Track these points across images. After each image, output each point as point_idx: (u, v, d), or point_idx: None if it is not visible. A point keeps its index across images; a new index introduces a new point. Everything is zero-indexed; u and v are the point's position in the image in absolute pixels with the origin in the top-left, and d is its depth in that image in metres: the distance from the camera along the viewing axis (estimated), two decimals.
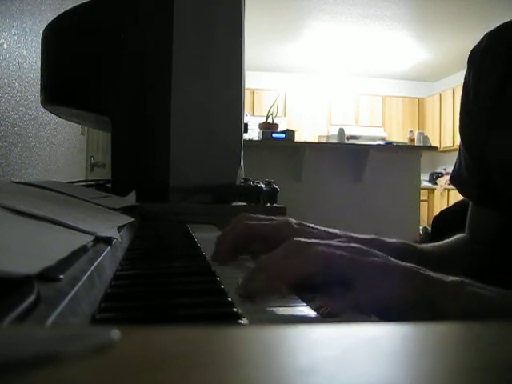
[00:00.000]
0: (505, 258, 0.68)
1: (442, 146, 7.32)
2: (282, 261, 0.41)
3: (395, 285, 0.39)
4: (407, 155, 3.73)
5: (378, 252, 0.42)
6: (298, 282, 0.40)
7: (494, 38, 0.71)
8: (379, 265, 0.40)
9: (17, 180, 1.26)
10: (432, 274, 0.41)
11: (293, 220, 0.62)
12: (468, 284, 0.41)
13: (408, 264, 0.41)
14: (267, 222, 0.60)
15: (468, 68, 0.74)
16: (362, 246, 0.42)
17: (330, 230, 0.65)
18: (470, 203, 0.77)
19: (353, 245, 0.42)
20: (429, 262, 0.50)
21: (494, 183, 0.69)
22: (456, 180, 0.77)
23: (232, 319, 0.32)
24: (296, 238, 0.43)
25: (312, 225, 0.65)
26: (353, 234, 0.67)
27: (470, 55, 0.74)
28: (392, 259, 0.42)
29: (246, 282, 0.41)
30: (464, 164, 0.76)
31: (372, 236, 0.69)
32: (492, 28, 0.72)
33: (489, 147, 0.68)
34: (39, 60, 1.32)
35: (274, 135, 3.57)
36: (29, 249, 0.30)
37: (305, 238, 0.45)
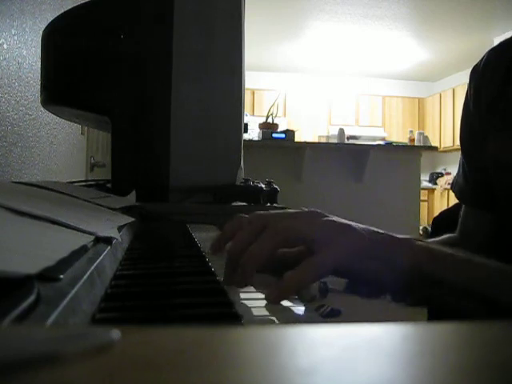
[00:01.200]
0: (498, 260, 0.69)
1: (441, 146, 7.32)
2: (245, 246, 0.43)
3: (352, 240, 0.42)
4: (407, 155, 3.73)
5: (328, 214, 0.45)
6: (266, 262, 0.42)
7: (495, 53, 0.74)
8: (331, 224, 0.43)
9: (17, 180, 1.26)
10: (381, 231, 0.44)
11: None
12: (419, 240, 0.45)
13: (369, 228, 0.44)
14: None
15: (469, 82, 0.77)
16: (316, 210, 0.46)
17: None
18: (463, 206, 0.79)
19: (306, 210, 0.46)
20: None
21: (491, 186, 0.71)
22: (454, 187, 0.81)
23: (232, 319, 0.32)
24: (254, 214, 0.46)
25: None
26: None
27: (471, 71, 0.77)
28: (344, 220, 0.45)
29: (225, 274, 0.44)
30: (461, 170, 0.79)
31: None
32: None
33: (487, 150, 0.70)
34: (39, 60, 1.32)
35: (274, 135, 3.57)
36: (29, 249, 0.30)
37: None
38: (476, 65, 0.77)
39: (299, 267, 0.40)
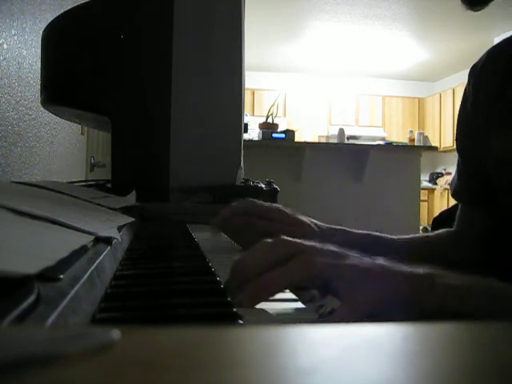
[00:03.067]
0: (495, 257, 0.70)
1: (441, 146, 7.32)
2: (261, 270, 0.40)
3: (373, 286, 0.39)
4: (407, 155, 3.73)
5: (354, 254, 0.42)
6: (279, 291, 0.40)
7: (494, 52, 0.74)
8: (355, 267, 0.40)
9: (17, 180, 1.26)
10: (406, 268, 0.41)
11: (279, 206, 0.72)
12: (441, 276, 0.41)
13: (382, 262, 0.41)
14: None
15: (468, 81, 0.77)
16: (341, 250, 0.42)
17: (301, 216, 0.73)
18: (460, 206, 0.80)
19: (331, 248, 0.42)
20: (400, 253, 0.50)
21: (488, 183, 0.71)
22: (451, 185, 0.82)
23: (232, 319, 0.32)
24: (278, 238, 0.43)
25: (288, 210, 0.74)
26: (318, 223, 0.73)
27: (470, 70, 0.77)
28: (367, 259, 0.42)
29: (229, 289, 0.40)
30: (457, 170, 0.80)
31: (339, 227, 0.74)
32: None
33: (489, 147, 0.70)
34: (39, 60, 1.32)
35: (274, 135, 3.57)
36: (29, 249, 0.30)
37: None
38: (475, 64, 0.77)
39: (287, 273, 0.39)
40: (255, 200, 0.74)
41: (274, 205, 0.74)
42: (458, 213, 0.80)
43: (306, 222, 0.72)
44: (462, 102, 0.78)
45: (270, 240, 0.43)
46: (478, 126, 0.73)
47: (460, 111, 0.79)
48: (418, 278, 0.40)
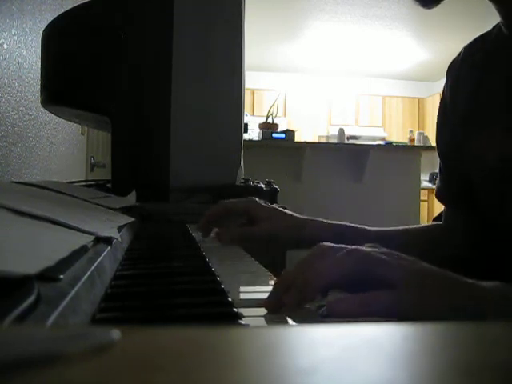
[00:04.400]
0: (480, 255, 0.70)
1: None
2: (314, 263, 0.39)
3: (437, 292, 0.38)
4: (407, 155, 3.73)
5: (412, 258, 0.40)
6: (334, 282, 0.38)
7: (471, 48, 0.73)
8: (420, 271, 0.39)
9: (17, 180, 1.26)
10: (469, 280, 0.40)
11: (256, 199, 0.76)
12: (505, 290, 0.40)
13: (444, 271, 0.40)
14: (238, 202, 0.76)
15: (446, 79, 0.77)
16: (398, 254, 0.41)
17: (283, 210, 0.76)
18: (444, 207, 0.81)
19: (385, 250, 0.41)
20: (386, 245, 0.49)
21: (470, 187, 0.71)
22: (436, 188, 0.83)
23: (232, 319, 0.32)
24: (323, 244, 0.41)
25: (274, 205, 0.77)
26: (295, 214, 0.76)
27: (448, 67, 0.77)
28: (425, 264, 0.40)
29: (274, 295, 0.38)
30: (439, 171, 0.81)
31: (313, 218, 0.76)
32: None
33: (467, 149, 0.70)
34: (39, 60, 1.32)
35: (274, 135, 3.56)
36: (29, 249, 0.30)
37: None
38: (453, 61, 0.76)
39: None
40: (228, 201, 0.77)
41: (247, 198, 0.78)
42: (443, 213, 0.81)
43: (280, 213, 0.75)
44: (440, 105, 0.78)
45: (311, 251, 0.41)
46: (456, 128, 0.72)
47: (439, 113, 0.78)
48: (483, 290, 0.39)
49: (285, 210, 0.76)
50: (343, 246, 0.40)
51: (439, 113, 0.78)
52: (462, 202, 0.75)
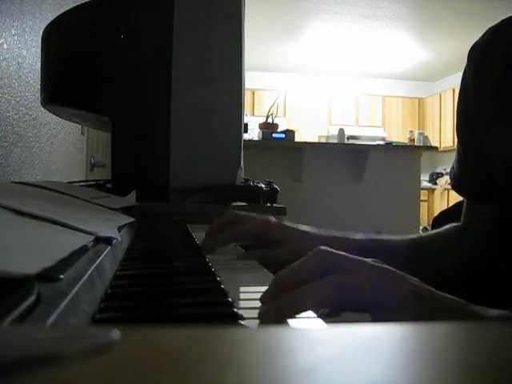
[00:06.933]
0: (500, 252, 0.68)
1: (441, 146, 7.32)
2: (296, 288, 0.37)
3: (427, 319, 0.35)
4: (407, 155, 3.73)
5: (407, 276, 0.38)
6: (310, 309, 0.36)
7: (497, 33, 0.68)
8: (406, 293, 0.36)
9: (17, 180, 1.26)
10: (473, 307, 0.38)
11: (272, 218, 0.71)
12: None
13: (447, 296, 0.38)
14: (249, 225, 0.69)
15: (468, 64, 0.72)
16: (388, 268, 0.39)
17: (306, 228, 0.72)
18: (465, 201, 0.77)
19: (382, 266, 0.39)
20: (397, 256, 0.47)
21: (493, 179, 0.68)
22: (451, 177, 0.78)
23: (232, 319, 0.32)
24: (320, 249, 0.39)
25: (288, 223, 0.72)
26: (323, 233, 0.72)
27: (470, 51, 0.71)
28: (423, 285, 0.38)
29: (263, 306, 0.37)
30: (458, 161, 0.75)
31: (342, 234, 0.72)
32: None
33: (491, 144, 0.66)
34: (39, 60, 1.31)
35: (274, 135, 3.56)
36: (29, 249, 0.30)
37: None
38: (476, 44, 0.71)
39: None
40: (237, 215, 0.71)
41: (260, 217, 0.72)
42: (463, 209, 0.77)
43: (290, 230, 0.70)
44: (461, 90, 0.73)
45: (311, 252, 0.39)
46: (480, 122, 0.68)
47: (459, 99, 0.73)
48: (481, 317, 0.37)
49: (300, 227, 0.71)
50: (342, 253, 0.39)
51: (460, 100, 0.73)
52: (484, 198, 0.71)
